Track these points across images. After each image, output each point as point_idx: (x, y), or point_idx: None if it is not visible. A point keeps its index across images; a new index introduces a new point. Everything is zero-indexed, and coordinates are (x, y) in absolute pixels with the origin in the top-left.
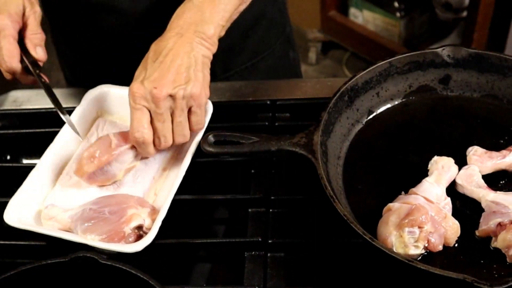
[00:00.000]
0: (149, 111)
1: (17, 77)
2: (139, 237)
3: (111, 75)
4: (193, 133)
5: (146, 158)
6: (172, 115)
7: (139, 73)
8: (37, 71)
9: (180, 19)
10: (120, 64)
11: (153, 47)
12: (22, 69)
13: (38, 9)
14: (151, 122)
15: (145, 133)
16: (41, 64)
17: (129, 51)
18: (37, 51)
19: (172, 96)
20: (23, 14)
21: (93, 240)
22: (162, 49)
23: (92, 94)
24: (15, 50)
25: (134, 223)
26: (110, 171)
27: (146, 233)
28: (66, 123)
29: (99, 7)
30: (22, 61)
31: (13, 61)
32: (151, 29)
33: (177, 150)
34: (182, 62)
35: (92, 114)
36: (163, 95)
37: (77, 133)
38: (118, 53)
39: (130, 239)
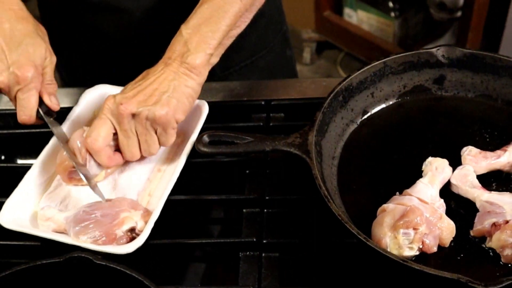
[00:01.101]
0: (112, 125)
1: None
2: (131, 239)
3: (110, 75)
4: (189, 133)
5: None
6: (139, 133)
7: (120, 91)
8: (51, 119)
9: (170, 51)
10: (119, 64)
11: (144, 73)
12: (36, 118)
13: (54, 59)
14: (117, 135)
15: (96, 140)
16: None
17: (129, 51)
18: (51, 101)
19: (135, 115)
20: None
21: (85, 242)
22: (149, 74)
23: (90, 93)
24: (36, 104)
25: (126, 226)
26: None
27: (138, 235)
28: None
29: (101, 7)
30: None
31: (32, 114)
32: (152, 29)
33: (172, 151)
34: (158, 87)
35: (89, 114)
36: (127, 112)
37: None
38: (118, 53)
39: (122, 241)
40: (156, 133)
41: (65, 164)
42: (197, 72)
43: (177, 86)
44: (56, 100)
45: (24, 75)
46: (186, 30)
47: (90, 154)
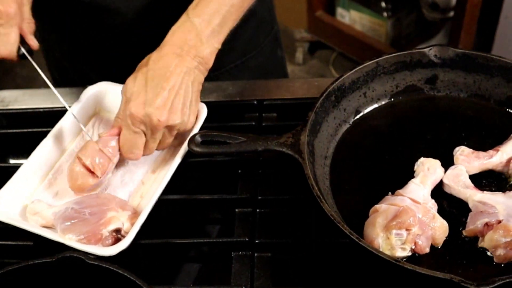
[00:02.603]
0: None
1: (7, 60)
2: (117, 240)
3: (102, 75)
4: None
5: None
6: (162, 137)
7: (137, 92)
8: (31, 57)
9: (180, 39)
10: (111, 64)
11: (152, 65)
12: (17, 56)
13: None
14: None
15: (138, 154)
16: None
17: (121, 51)
18: (33, 40)
19: (168, 127)
20: None
21: (71, 240)
22: (163, 70)
23: (91, 90)
24: (17, 40)
25: (112, 226)
26: (102, 182)
27: (124, 237)
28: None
29: (92, 7)
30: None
31: (13, 49)
32: (144, 29)
33: (169, 153)
34: (182, 93)
35: (90, 110)
36: (162, 125)
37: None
38: (110, 54)
39: (107, 242)
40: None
41: (80, 184)
42: (207, 66)
43: (195, 87)
44: (35, 40)
45: (7, 11)
46: (196, 18)
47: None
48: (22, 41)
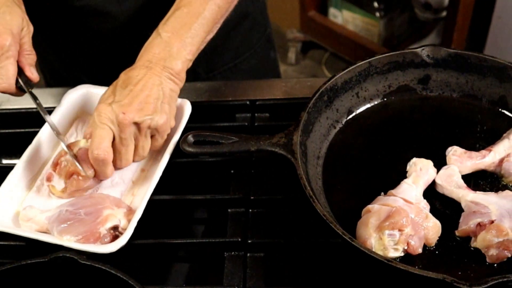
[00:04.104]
0: (113, 133)
1: (6, 94)
2: (115, 238)
3: (93, 77)
4: (172, 132)
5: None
6: (135, 139)
7: (107, 97)
8: (30, 90)
9: (149, 54)
10: (103, 66)
11: (122, 76)
12: (16, 88)
13: (31, 28)
14: (113, 143)
15: (106, 152)
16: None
17: (113, 53)
18: (32, 72)
19: (137, 124)
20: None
21: (69, 241)
22: (131, 78)
23: (72, 94)
24: (15, 72)
25: (110, 224)
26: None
27: (122, 234)
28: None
29: (85, 11)
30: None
31: (11, 82)
32: (136, 32)
33: (156, 151)
34: (151, 93)
35: (72, 114)
36: (128, 121)
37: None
38: (101, 56)
39: (105, 240)
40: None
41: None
42: (179, 77)
43: (165, 91)
44: (36, 71)
45: (2, 43)
46: (165, 33)
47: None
48: (21, 73)
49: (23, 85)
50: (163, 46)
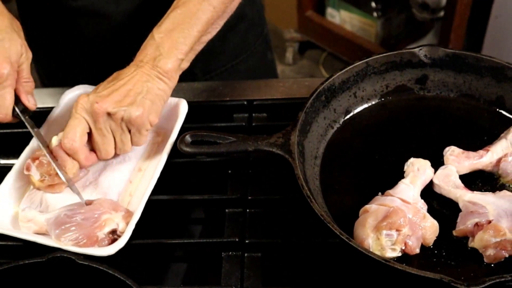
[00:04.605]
0: (88, 124)
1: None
2: (113, 241)
3: (89, 78)
4: (169, 132)
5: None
6: (113, 132)
7: (92, 90)
8: (27, 117)
9: (141, 54)
10: (98, 67)
11: (114, 74)
12: (13, 117)
13: (30, 55)
14: (91, 134)
15: (74, 140)
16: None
17: (109, 54)
18: (29, 100)
19: (111, 115)
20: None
21: (66, 244)
22: (120, 75)
23: (69, 94)
24: (12, 101)
25: (108, 228)
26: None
27: (120, 236)
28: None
29: (81, 12)
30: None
31: (8, 112)
32: (132, 33)
33: (153, 150)
34: (133, 88)
35: (69, 114)
36: (102, 111)
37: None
38: (98, 57)
39: (103, 243)
40: (130, 132)
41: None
42: (168, 76)
43: (151, 88)
44: (33, 99)
45: (0, 72)
46: (158, 34)
47: (68, 155)
48: (18, 101)
49: (20, 114)
50: (154, 47)
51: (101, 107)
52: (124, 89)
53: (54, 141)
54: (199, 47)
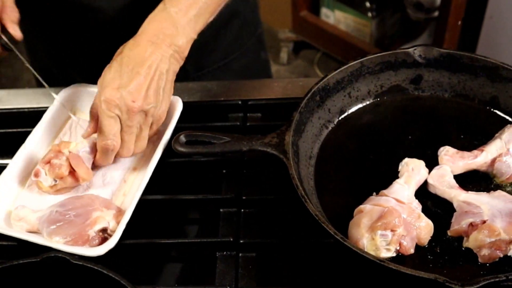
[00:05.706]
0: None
1: None
2: (103, 240)
3: (86, 75)
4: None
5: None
6: (138, 129)
7: (112, 78)
8: (13, 46)
9: (155, 27)
10: (93, 62)
11: (127, 51)
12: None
13: None
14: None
15: (115, 141)
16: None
17: (103, 49)
18: (15, 29)
19: (144, 112)
20: None
21: (58, 242)
22: (137, 56)
23: (65, 93)
24: None
25: (99, 226)
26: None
27: (110, 236)
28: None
29: (76, 6)
30: None
31: None
32: (129, 29)
33: (148, 149)
34: (157, 80)
35: (65, 113)
36: (138, 109)
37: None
38: (92, 52)
39: (94, 242)
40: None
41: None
42: (183, 55)
43: (169, 75)
44: (18, 29)
45: None
46: (173, 7)
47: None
48: (4, 30)
49: (8, 42)
50: (170, 22)
51: (137, 105)
52: (149, 80)
53: (72, 146)
54: (203, 28)
